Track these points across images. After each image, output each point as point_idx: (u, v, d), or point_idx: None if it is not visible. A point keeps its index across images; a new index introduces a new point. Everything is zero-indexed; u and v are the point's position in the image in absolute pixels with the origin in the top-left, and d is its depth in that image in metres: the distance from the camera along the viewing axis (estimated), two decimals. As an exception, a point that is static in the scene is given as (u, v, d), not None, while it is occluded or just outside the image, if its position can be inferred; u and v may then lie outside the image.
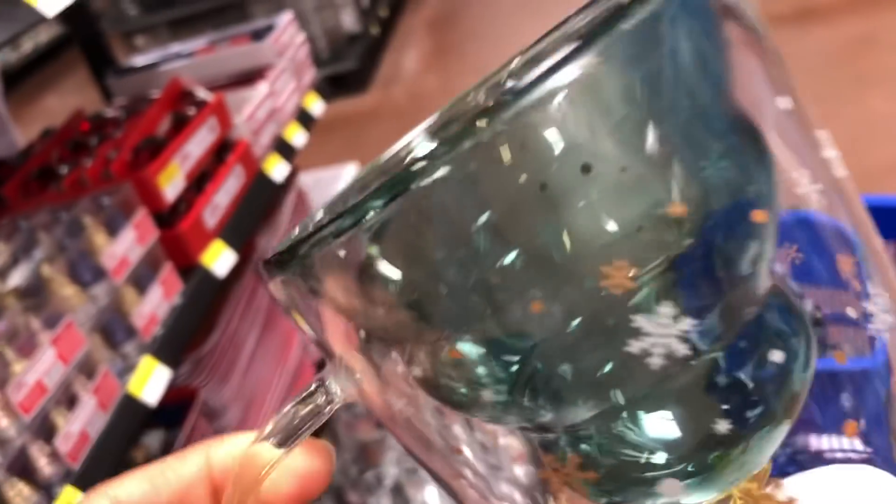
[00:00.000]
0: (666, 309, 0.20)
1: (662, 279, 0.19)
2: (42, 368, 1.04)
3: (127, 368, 1.20)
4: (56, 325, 1.09)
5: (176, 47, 2.01)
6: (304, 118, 1.80)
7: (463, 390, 0.21)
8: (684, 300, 0.20)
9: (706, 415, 0.21)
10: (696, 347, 0.20)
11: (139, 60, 2.02)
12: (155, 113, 1.51)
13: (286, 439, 0.23)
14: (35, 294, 1.15)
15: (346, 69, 3.31)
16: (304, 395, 0.24)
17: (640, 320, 0.19)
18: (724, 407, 0.21)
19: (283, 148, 1.71)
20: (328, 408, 0.24)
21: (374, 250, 0.20)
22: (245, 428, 1.40)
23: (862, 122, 2.18)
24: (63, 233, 1.22)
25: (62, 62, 4.48)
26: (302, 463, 0.25)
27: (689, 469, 0.21)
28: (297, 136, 1.76)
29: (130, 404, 1.16)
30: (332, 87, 2.86)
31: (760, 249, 0.22)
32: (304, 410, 0.24)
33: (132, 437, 1.15)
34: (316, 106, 1.86)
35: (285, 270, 0.22)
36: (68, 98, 2.23)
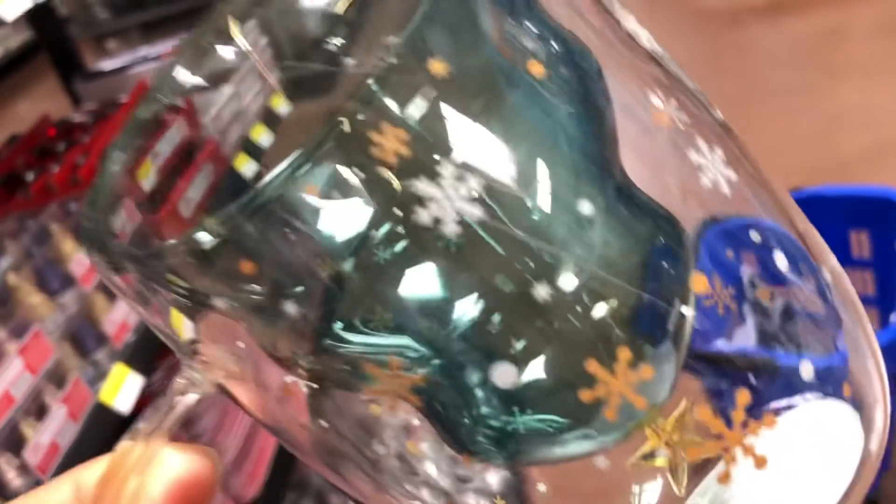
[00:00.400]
0: None
1: None
2: (9, 378, 1.03)
3: (98, 376, 1.18)
4: (23, 335, 1.07)
5: (146, 51, 1.99)
6: (270, 118, 1.79)
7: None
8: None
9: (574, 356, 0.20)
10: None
11: (108, 65, 1.99)
12: (122, 117, 1.49)
13: (151, 433, 0.22)
14: (1, 303, 1.13)
15: (314, 70, 3.29)
16: (168, 393, 0.23)
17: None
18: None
19: (251, 148, 1.69)
20: (185, 403, 0.23)
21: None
22: (220, 435, 1.39)
23: (834, 113, 2.19)
24: (30, 240, 1.20)
25: (33, 67, 4.42)
26: (179, 464, 0.23)
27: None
28: (264, 137, 1.74)
29: (102, 413, 1.14)
30: (297, 88, 2.85)
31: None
32: (168, 404, 0.23)
33: (105, 446, 1.13)
34: (282, 107, 1.84)
35: (97, 250, 0.21)
36: (40, 104, 2.21)
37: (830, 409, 0.22)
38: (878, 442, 0.22)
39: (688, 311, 0.21)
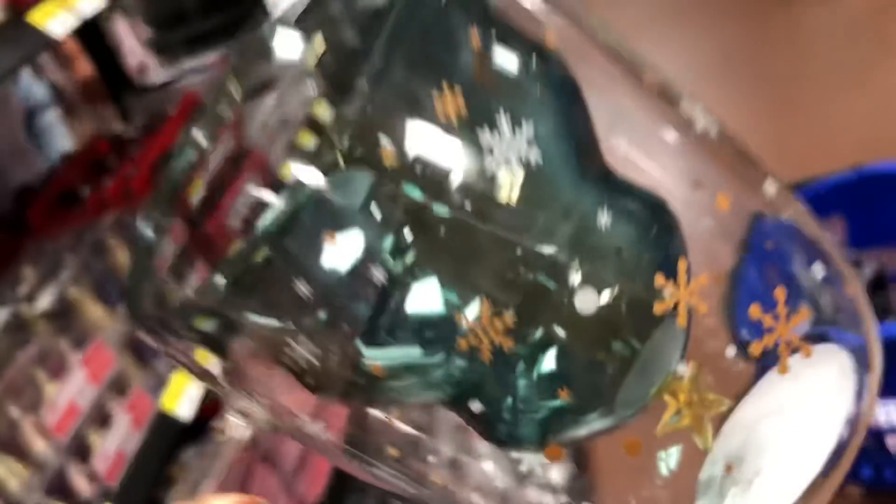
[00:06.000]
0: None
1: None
2: (74, 389, 1.04)
3: (159, 384, 1.19)
4: (85, 345, 1.09)
5: (191, 63, 2.01)
6: (315, 125, 1.80)
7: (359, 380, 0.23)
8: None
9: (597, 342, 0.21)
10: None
11: (156, 79, 2.02)
12: (171, 129, 1.51)
13: (195, 489, 0.24)
14: (63, 316, 1.15)
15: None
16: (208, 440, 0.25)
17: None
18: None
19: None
20: (228, 443, 0.24)
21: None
22: (280, 438, 1.39)
23: (892, 88, 2.13)
24: (87, 253, 1.22)
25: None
26: None
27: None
28: (310, 143, 1.75)
29: (164, 420, 1.15)
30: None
31: None
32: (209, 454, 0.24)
33: (168, 453, 1.15)
34: (325, 113, 1.85)
35: (136, 317, 0.24)
36: (88, 121, 2.26)
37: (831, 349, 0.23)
38: (873, 366, 0.25)
39: (684, 268, 0.22)
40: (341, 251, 0.21)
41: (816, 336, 0.23)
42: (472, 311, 0.20)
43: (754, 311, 0.22)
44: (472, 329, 0.20)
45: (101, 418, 1.09)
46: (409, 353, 0.21)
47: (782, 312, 0.22)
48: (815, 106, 2.89)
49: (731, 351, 0.22)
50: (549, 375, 0.21)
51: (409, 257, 0.20)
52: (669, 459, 0.23)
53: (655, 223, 0.23)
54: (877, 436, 1.71)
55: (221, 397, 0.25)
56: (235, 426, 1.18)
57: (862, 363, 0.24)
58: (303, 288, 0.22)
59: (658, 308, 0.21)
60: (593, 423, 0.22)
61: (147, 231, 0.23)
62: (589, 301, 0.21)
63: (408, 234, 0.20)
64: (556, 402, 0.21)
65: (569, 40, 0.23)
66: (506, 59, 0.21)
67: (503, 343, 0.20)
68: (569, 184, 0.21)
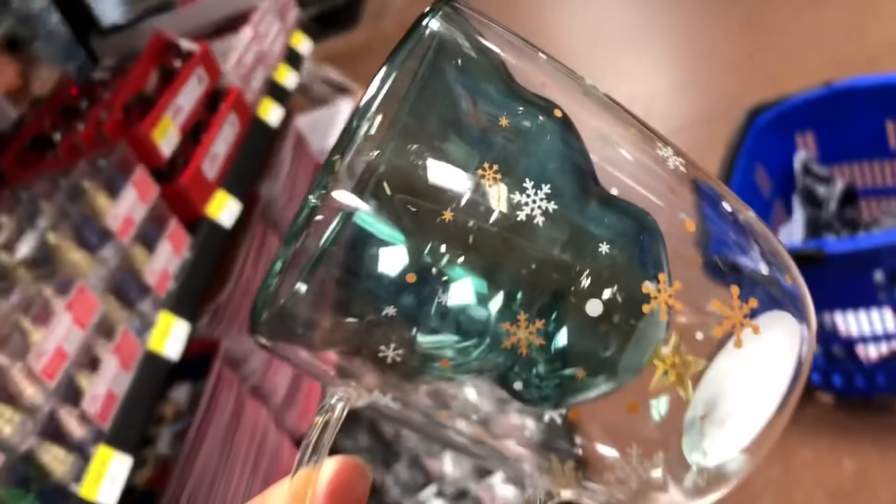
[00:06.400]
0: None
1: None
2: (60, 334, 1.05)
3: (145, 326, 1.21)
4: (69, 291, 1.10)
5: (156, 1, 1.97)
6: (293, 58, 1.77)
7: (423, 366, 0.29)
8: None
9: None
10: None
11: (122, 19, 1.98)
12: (141, 69, 1.49)
13: (312, 458, 0.30)
14: (44, 263, 1.15)
15: (334, 6, 3.25)
16: (316, 423, 0.30)
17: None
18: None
19: (276, 91, 1.68)
20: (334, 418, 0.30)
21: (301, 291, 0.27)
22: (270, 372, 1.41)
23: (862, 4, 2.12)
24: (64, 199, 1.21)
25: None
26: (332, 471, 0.31)
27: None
28: (289, 78, 1.73)
29: (153, 361, 1.17)
30: (321, 25, 2.80)
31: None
32: (318, 432, 0.30)
33: (159, 392, 1.17)
34: (304, 45, 1.82)
35: (257, 334, 0.28)
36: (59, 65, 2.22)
37: (780, 314, 0.31)
38: (810, 326, 0.32)
39: (664, 278, 0.29)
40: (390, 260, 0.27)
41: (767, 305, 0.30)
42: (507, 310, 0.28)
43: (715, 304, 0.29)
44: (510, 329, 0.28)
45: (89, 362, 1.10)
46: (450, 339, 0.28)
47: (736, 304, 0.29)
48: (787, 24, 2.87)
49: (699, 335, 0.29)
50: (567, 355, 0.29)
51: (447, 264, 0.27)
52: (660, 407, 0.29)
53: (643, 231, 0.29)
54: (848, 346, 1.76)
55: (324, 386, 0.31)
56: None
57: (801, 318, 0.31)
58: (363, 290, 0.28)
59: (646, 308, 0.28)
60: (602, 387, 0.29)
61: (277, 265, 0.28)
62: (596, 302, 0.28)
63: (445, 248, 0.27)
64: (573, 372, 0.29)
65: (569, 95, 0.30)
66: (527, 119, 0.29)
67: (535, 340, 0.28)
68: (576, 208, 0.28)
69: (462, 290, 0.28)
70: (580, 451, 0.31)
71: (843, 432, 1.81)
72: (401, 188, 0.27)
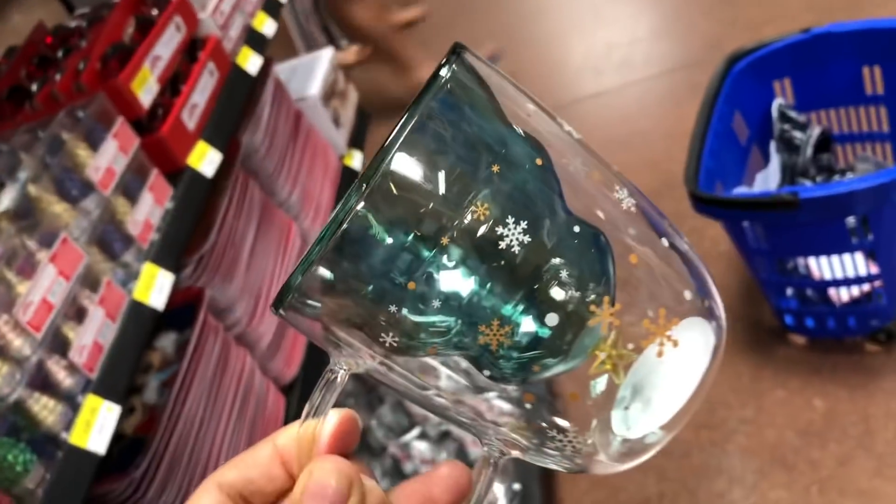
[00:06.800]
0: None
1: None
2: (45, 286, 1.06)
3: (130, 277, 1.22)
4: (52, 243, 1.10)
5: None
6: (272, 6, 1.76)
7: (409, 343, 0.35)
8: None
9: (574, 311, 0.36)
10: None
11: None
12: (118, 18, 1.48)
13: (317, 412, 0.37)
14: (26, 215, 1.15)
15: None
16: (322, 383, 0.37)
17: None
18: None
19: (255, 39, 1.67)
20: (337, 381, 0.37)
21: (327, 278, 0.34)
22: (255, 321, 1.43)
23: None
24: (44, 151, 1.21)
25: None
26: (334, 424, 0.37)
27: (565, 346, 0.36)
28: (267, 26, 1.72)
29: (138, 311, 1.18)
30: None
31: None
32: (323, 391, 0.37)
33: (145, 342, 1.18)
34: (282, -9, 1.80)
35: (282, 308, 0.35)
36: (34, 14, 2.18)
37: (701, 323, 0.38)
38: (722, 336, 0.39)
39: (612, 278, 0.36)
40: (391, 263, 0.34)
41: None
42: (484, 311, 0.35)
43: (645, 323, 0.36)
44: (484, 331, 0.35)
45: (75, 313, 1.12)
46: (440, 320, 0.35)
47: (661, 323, 0.36)
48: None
49: (630, 345, 0.36)
50: (526, 351, 0.36)
51: (440, 256, 0.34)
52: (597, 386, 0.36)
53: (599, 256, 0.36)
54: (820, 289, 1.80)
55: (330, 354, 0.37)
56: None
57: (717, 332, 0.39)
58: (367, 275, 0.34)
59: (591, 322, 0.35)
60: (556, 368, 0.36)
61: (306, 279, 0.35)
62: (553, 315, 0.35)
63: (440, 261, 0.34)
64: (534, 355, 0.36)
65: (550, 136, 0.37)
66: (515, 161, 0.35)
67: (503, 340, 0.35)
68: (547, 239, 0.35)
69: (449, 294, 0.34)
70: (529, 420, 0.38)
71: (814, 373, 1.86)
72: (407, 193, 0.33)
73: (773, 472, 1.73)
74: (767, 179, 1.94)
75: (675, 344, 0.36)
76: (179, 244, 1.31)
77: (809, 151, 1.91)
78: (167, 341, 1.33)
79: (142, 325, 1.17)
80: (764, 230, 1.69)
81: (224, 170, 1.52)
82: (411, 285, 0.34)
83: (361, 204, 0.33)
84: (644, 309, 0.36)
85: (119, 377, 1.10)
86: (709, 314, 0.38)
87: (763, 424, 1.81)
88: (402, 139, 0.33)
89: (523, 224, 0.34)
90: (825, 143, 1.93)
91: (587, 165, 0.37)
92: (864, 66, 1.85)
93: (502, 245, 0.34)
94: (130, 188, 1.28)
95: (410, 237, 0.34)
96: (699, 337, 0.38)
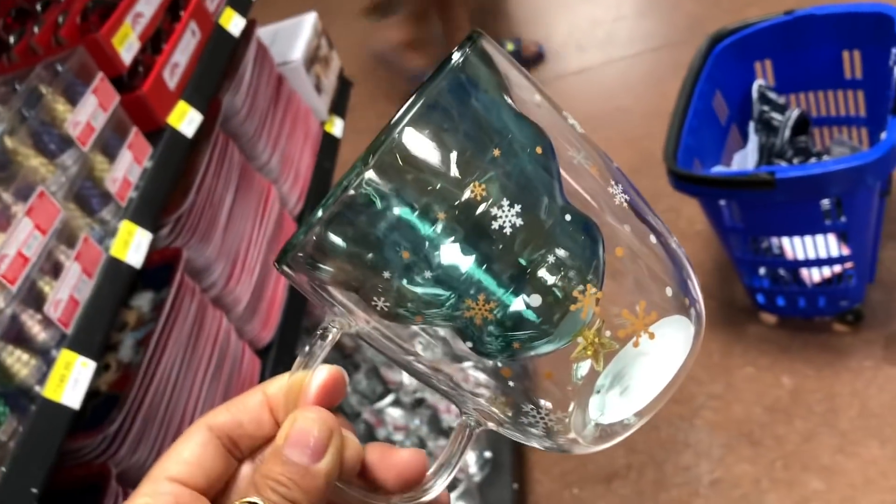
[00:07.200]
0: None
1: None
2: (20, 239, 1.06)
3: (107, 234, 1.21)
4: (29, 197, 1.09)
5: None
6: (256, -33, 1.74)
7: (400, 310, 0.37)
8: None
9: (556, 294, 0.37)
10: None
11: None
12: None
13: (307, 365, 0.38)
14: (2, 167, 1.14)
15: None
16: (313, 339, 0.39)
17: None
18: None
19: (238, 0, 1.65)
20: (329, 339, 0.38)
21: (328, 240, 0.36)
22: (231, 284, 1.43)
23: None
24: (21, 104, 1.19)
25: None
26: (322, 377, 0.39)
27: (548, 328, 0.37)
28: (251, -13, 1.70)
29: (115, 268, 1.18)
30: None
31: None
32: (315, 346, 0.38)
33: (121, 299, 1.18)
34: (266, -47, 1.78)
35: (284, 263, 0.37)
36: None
37: (680, 319, 0.39)
38: (700, 333, 0.40)
39: (600, 267, 0.38)
40: (392, 221, 0.35)
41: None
42: (472, 285, 0.36)
43: (624, 313, 0.37)
44: (470, 305, 0.36)
45: (51, 268, 1.11)
46: (431, 291, 0.36)
47: (641, 315, 0.37)
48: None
49: (608, 333, 0.37)
50: (508, 330, 0.37)
51: (433, 245, 0.35)
52: (579, 371, 0.38)
53: (589, 243, 0.37)
54: (793, 269, 1.82)
55: (325, 312, 0.39)
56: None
57: (696, 327, 0.40)
58: (365, 240, 0.36)
59: (572, 307, 0.36)
60: (538, 349, 0.37)
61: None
62: (536, 297, 0.36)
63: (435, 233, 0.35)
64: (517, 334, 0.37)
65: (553, 127, 0.38)
66: (517, 146, 0.36)
67: (487, 315, 0.36)
68: (539, 224, 0.36)
69: (441, 267, 0.36)
70: (506, 394, 0.39)
71: (783, 351, 1.89)
72: (412, 167, 0.35)
73: (739, 446, 1.76)
74: (745, 159, 1.96)
75: (652, 337, 0.37)
76: (158, 203, 1.30)
77: (787, 133, 1.93)
78: (143, 300, 1.33)
79: (118, 283, 1.17)
80: (740, 209, 1.71)
81: (204, 131, 1.51)
82: (406, 255, 0.35)
83: (368, 172, 0.34)
84: (626, 301, 0.37)
85: (95, 333, 1.10)
86: (688, 312, 0.40)
87: (731, 400, 1.85)
88: (412, 114, 0.34)
89: (517, 207, 0.35)
90: (803, 125, 1.95)
91: (586, 158, 0.39)
92: (845, 51, 1.87)
93: (495, 225, 0.35)
94: (109, 145, 1.27)
95: (409, 209, 0.35)
96: (677, 333, 0.39)
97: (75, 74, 1.25)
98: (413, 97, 0.35)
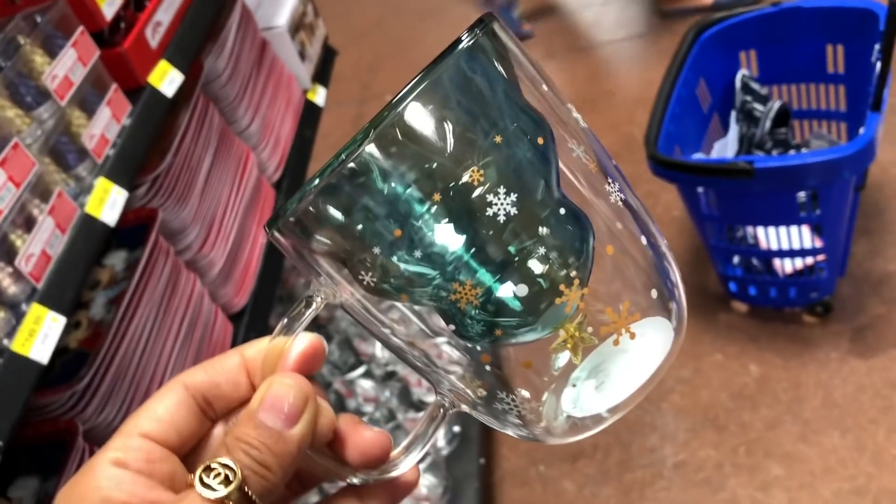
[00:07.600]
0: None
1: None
2: (-6, 191, 1.04)
3: (83, 190, 1.20)
4: (3, 148, 1.08)
5: None
6: (244, -72, 1.71)
7: (386, 286, 0.37)
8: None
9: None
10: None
11: None
12: None
13: (288, 332, 0.38)
14: (-23, 118, 1.12)
15: None
16: (297, 306, 0.39)
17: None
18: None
19: (224, -39, 1.63)
20: (313, 307, 0.38)
21: (321, 209, 0.35)
22: (206, 248, 1.42)
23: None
24: (-1, 54, 1.17)
25: None
26: (303, 345, 0.39)
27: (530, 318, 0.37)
28: (238, -52, 1.68)
29: (90, 224, 1.16)
30: None
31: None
32: (296, 313, 0.38)
33: (94, 256, 1.17)
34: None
35: (275, 228, 0.37)
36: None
37: (661, 322, 0.40)
38: (680, 337, 0.41)
39: (588, 263, 0.38)
40: (387, 197, 0.35)
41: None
42: (460, 268, 0.36)
43: (608, 311, 0.37)
44: (456, 288, 0.36)
45: (23, 221, 1.09)
46: (418, 269, 0.36)
47: (623, 314, 0.38)
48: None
49: (589, 329, 0.38)
50: (491, 315, 0.37)
51: (425, 224, 0.35)
52: (558, 362, 0.38)
53: (580, 237, 0.38)
54: (766, 259, 1.84)
55: (310, 280, 0.39)
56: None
57: (677, 329, 0.41)
58: (358, 214, 0.36)
59: (557, 300, 0.36)
60: (519, 337, 0.38)
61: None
62: (523, 287, 0.36)
63: (428, 212, 0.35)
64: (499, 321, 0.37)
65: (557, 119, 0.38)
66: (524, 131, 0.36)
67: (472, 300, 0.36)
68: (533, 214, 0.36)
69: (431, 246, 0.36)
70: (480, 376, 0.40)
71: (752, 340, 1.91)
72: (412, 144, 0.35)
73: (704, 431, 1.79)
74: (725, 148, 1.97)
75: (633, 336, 0.38)
76: (135, 162, 1.28)
77: (768, 124, 1.94)
78: (117, 259, 1.32)
79: (92, 240, 1.16)
80: (717, 197, 1.73)
81: (185, 92, 1.50)
82: (397, 232, 0.35)
83: (369, 146, 0.34)
84: (610, 298, 0.38)
85: (66, 289, 1.09)
86: (670, 315, 0.40)
87: (699, 386, 1.87)
88: (417, 92, 0.34)
89: (513, 196, 0.35)
90: (783, 117, 1.97)
91: (586, 153, 0.39)
92: (829, 45, 1.88)
93: (489, 212, 0.35)
94: (88, 101, 1.25)
95: (405, 186, 0.35)
96: (657, 334, 0.39)
97: (55, 26, 1.23)
98: (420, 75, 0.34)
